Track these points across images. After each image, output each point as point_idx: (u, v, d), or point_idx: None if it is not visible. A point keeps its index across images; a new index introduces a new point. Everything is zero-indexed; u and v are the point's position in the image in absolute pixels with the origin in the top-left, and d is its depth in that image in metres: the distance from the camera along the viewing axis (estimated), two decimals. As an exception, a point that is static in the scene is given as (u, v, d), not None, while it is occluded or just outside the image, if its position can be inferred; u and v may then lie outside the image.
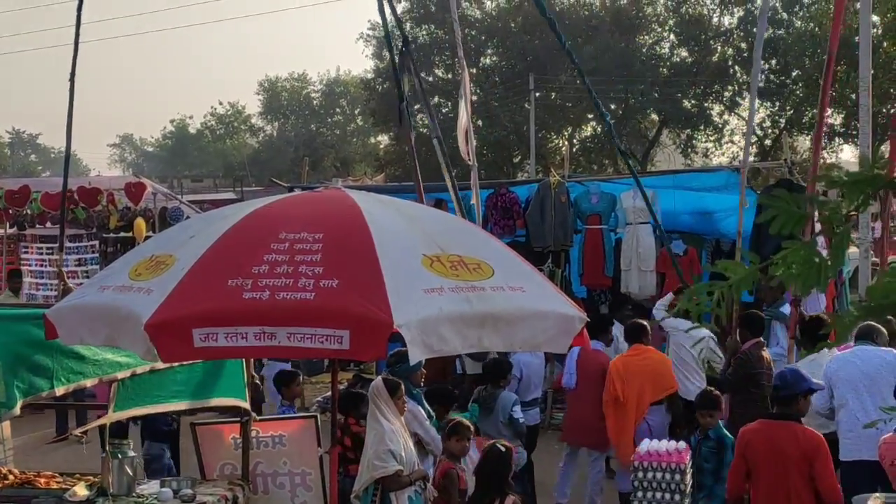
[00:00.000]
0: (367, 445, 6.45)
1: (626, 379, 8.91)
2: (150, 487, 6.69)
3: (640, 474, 7.22)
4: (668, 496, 7.12)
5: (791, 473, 6.10)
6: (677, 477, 7.13)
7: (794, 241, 2.11)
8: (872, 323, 7.62)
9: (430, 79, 44.23)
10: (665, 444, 7.36)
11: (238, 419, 7.07)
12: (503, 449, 6.37)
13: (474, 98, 38.18)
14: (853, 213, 2.12)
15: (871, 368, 7.36)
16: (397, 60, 9.24)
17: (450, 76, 44.02)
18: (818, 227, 5.20)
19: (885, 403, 6.62)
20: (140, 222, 17.40)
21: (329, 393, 7.42)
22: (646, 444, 7.44)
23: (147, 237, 15.75)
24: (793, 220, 2.10)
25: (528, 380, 9.58)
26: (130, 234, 17.35)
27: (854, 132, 33.95)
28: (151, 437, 8.91)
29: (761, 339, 8.88)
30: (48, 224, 18.42)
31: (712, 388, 8.12)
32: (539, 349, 7.58)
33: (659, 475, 7.14)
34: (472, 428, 7.13)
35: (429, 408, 7.84)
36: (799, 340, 9.11)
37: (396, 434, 6.41)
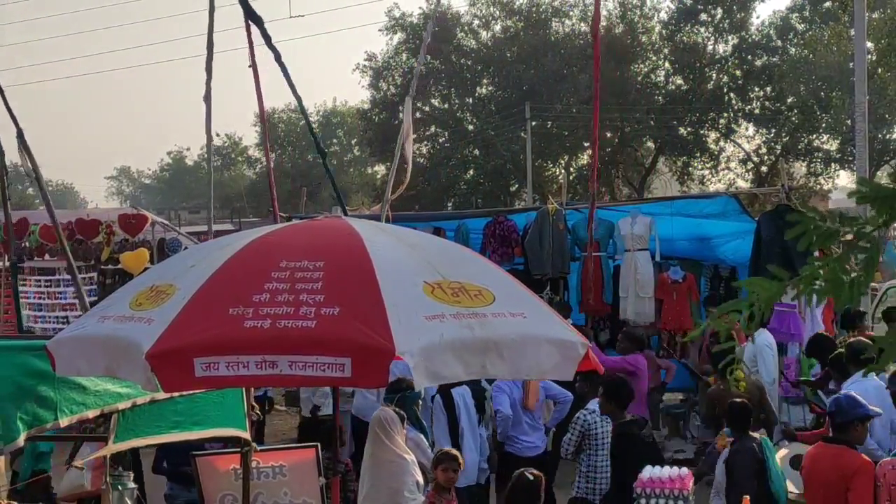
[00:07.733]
0: (378, 475, 6.34)
1: None
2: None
3: (644, 501, 7.17)
4: (671, 523, 7.08)
5: (837, 496, 6.21)
6: (680, 503, 7.09)
7: (812, 256, 2.11)
8: None
9: (427, 108, 44.44)
10: (668, 471, 7.32)
11: (238, 449, 7.04)
12: (532, 478, 6.30)
13: (471, 127, 38.36)
14: (881, 227, 2.10)
15: None
16: None
17: (446, 106, 44.21)
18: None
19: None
20: (125, 257, 17.28)
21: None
22: (648, 471, 7.39)
23: (144, 269, 15.69)
24: (823, 236, 2.09)
25: None
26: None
27: (850, 157, 34.07)
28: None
29: None
30: (46, 256, 18.43)
31: None
32: (544, 376, 7.48)
33: (662, 502, 7.10)
34: (458, 457, 7.06)
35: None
36: None
37: (416, 465, 6.38)
